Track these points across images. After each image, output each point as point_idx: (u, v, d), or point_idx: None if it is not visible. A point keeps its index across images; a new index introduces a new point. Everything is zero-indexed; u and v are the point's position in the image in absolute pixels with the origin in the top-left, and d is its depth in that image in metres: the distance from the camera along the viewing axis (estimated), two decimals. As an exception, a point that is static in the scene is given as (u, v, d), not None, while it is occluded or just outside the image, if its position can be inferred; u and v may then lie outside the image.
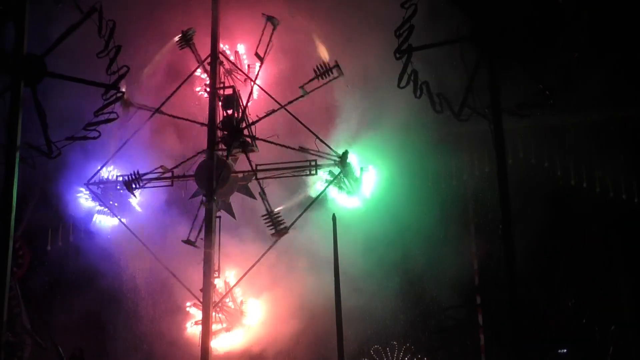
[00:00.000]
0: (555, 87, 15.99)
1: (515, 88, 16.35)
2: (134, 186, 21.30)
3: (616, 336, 21.52)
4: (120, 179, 21.75)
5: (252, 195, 21.28)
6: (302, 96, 20.77)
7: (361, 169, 20.98)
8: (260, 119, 21.12)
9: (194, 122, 21.47)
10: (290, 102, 20.92)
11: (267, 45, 21.08)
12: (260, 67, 21.40)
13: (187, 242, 20.60)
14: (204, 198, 20.70)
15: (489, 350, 22.65)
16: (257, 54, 21.18)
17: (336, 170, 20.78)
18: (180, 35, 21.64)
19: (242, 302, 21.68)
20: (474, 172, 23.06)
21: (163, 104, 21.47)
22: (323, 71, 20.54)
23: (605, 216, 22.61)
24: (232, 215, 21.25)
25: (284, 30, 21.18)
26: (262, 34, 21.03)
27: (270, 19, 20.98)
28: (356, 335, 22.16)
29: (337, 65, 20.51)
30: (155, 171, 21.57)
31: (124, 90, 16.84)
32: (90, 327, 23.01)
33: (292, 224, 20.56)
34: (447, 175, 23.21)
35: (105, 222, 22.53)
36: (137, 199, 22.17)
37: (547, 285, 22.28)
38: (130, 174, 21.30)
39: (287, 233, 20.41)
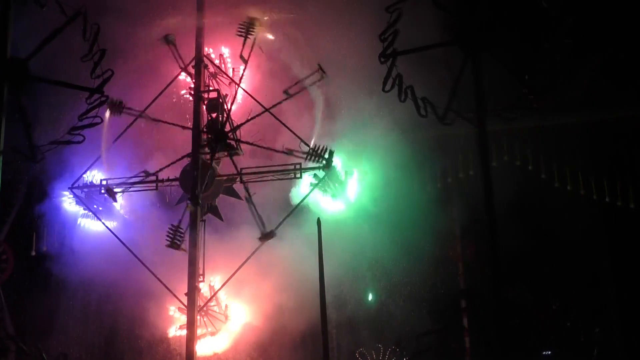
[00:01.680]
0: (540, 90, 16.04)
1: (499, 91, 16.42)
2: (116, 192, 21.24)
3: (600, 339, 21.67)
4: (105, 182, 21.68)
5: (237, 196, 21.21)
6: (286, 99, 20.75)
7: (346, 172, 20.97)
8: (244, 122, 21.05)
9: (179, 126, 21.37)
10: (274, 105, 20.88)
11: (252, 47, 21.07)
12: (244, 69, 21.37)
13: (172, 246, 20.52)
14: (188, 202, 20.63)
15: (474, 352, 22.71)
16: (241, 57, 21.15)
17: (321, 173, 20.71)
18: (162, 37, 21.51)
19: (227, 306, 21.59)
20: (459, 174, 23.12)
21: (147, 107, 21.28)
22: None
23: (590, 219, 22.73)
24: (220, 217, 21.17)
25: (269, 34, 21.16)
26: (246, 36, 21.02)
27: (253, 21, 20.98)
28: (341, 339, 22.17)
29: (320, 68, 20.52)
30: (138, 175, 21.47)
31: (108, 95, 16.64)
32: (75, 332, 22.94)
33: (277, 227, 20.48)
34: (432, 178, 23.25)
35: (89, 226, 22.44)
36: (120, 203, 22.11)
37: (532, 288, 22.39)
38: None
39: (274, 236, 20.36)
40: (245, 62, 21.12)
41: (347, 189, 21.13)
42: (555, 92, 20.10)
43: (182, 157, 21.11)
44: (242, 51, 21.04)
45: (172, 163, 21.31)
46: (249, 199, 20.61)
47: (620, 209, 22.33)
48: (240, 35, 20.90)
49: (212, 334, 21.11)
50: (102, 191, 21.55)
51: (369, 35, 17.01)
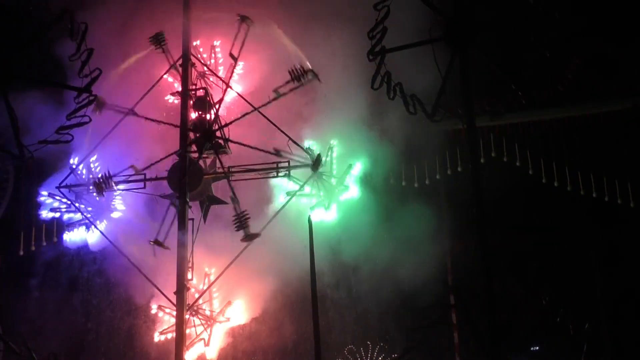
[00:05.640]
0: (527, 86, 16.11)
1: (487, 87, 16.49)
2: (104, 187, 21.07)
3: (590, 334, 21.74)
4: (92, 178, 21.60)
5: (222, 202, 21.08)
6: (275, 98, 20.66)
7: (349, 165, 21.01)
8: (232, 121, 20.98)
9: (167, 124, 21.29)
10: (263, 105, 20.76)
11: (242, 46, 21.16)
12: (234, 66, 21.34)
13: (156, 242, 20.28)
14: (176, 200, 20.59)
15: (463, 349, 22.77)
16: (231, 54, 21.18)
17: (306, 175, 20.74)
18: (152, 36, 21.49)
19: (229, 303, 21.32)
20: (446, 171, 23.18)
21: (136, 104, 21.19)
22: (297, 75, 20.48)
23: (577, 214, 22.83)
24: (223, 202, 21.06)
25: (261, 33, 21.13)
26: (237, 34, 21.04)
27: (243, 19, 21.02)
28: (330, 336, 22.18)
29: (311, 70, 20.49)
30: (126, 172, 21.37)
31: (96, 94, 16.60)
32: (64, 332, 22.85)
33: (263, 228, 20.30)
34: (420, 175, 23.28)
35: (78, 225, 22.33)
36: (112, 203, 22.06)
37: (521, 283, 22.45)
38: (102, 175, 21.11)
39: (259, 236, 20.13)
40: (235, 59, 21.23)
41: (349, 182, 21.08)
42: (543, 87, 20.26)
43: (170, 155, 21.04)
44: (231, 49, 21.10)
45: (158, 161, 21.28)
46: (234, 199, 20.50)
47: (607, 204, 22.42)
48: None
49: (206, 343, 20.84)
50: (91, 189, 21.49)
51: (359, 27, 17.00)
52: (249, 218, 20.15)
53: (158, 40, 21.37)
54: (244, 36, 21.14)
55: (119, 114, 21.15)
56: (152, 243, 20.27)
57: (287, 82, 20.54)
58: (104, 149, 21.48)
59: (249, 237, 20.04)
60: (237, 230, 20.09)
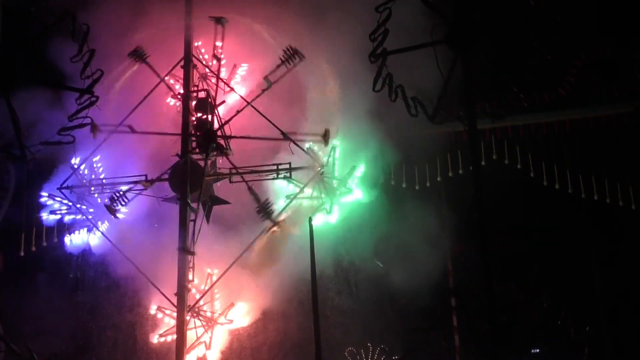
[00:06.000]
0: (529, 89, 16.15)
1: (488, 89, 16.51)
2: (116, 207, 20.84)
3: (591, 337, 21.76)
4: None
5: (225, 202, 21.10)
6: (267, 88, 20.62)
7: (353, 167, 20.99)
8: (232, 117, 20.88)
9: (166, 134, 21.17)
10: (256, 97, 20.72)
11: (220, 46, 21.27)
12: (219, 67, 21.36)
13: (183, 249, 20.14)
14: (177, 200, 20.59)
15: (463, 351, 22.79)
16: (214, 56, 21.24)
17: (305, 178, 20.64)
18: (132, 51, 21.44)
19: (232, 305, 21.34)
20: (448, 173, 23.17)
21: (127, 116, 20.94)
22: (287, 57, 20.47)
23: (579, 217, 22.84)
24: (226, 202, 21.02)
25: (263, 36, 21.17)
26: (215, 36, 21.06)
27: (218, 20, 21.02)
28: (331, 338, 22.19)
29: (297, 51, 20.44)
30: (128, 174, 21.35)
31: (98, 95, 16.59)
32: (65, 333, 22.84)
33: (262, 231, 20.26)
34: (421, 177, 23.28)
35: (79, 226, 22.32)
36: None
37: (522, 286, 22.47)
38: (113, 193, 20.91)
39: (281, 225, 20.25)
40: (219, 59, 21.30)
41: (352, 184, 21.03)
42: (544, 89, 20.30)
43: (174, 155, 21.02)
44: (214, 51, 21.24)
45: (165, 171, 21.20)
46: (252, 191, 20.50)
47: (608, 207, 22.41)
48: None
49: (207, 347, 20.74)
50: (93, 189, 21.47)
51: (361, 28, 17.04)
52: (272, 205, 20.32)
53: (139, 54, 21.36)
54: (220, 37, 21.14)
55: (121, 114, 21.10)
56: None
57: (278, 67, 20.56)
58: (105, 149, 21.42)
59: (275, 225, 20.22)
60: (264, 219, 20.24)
